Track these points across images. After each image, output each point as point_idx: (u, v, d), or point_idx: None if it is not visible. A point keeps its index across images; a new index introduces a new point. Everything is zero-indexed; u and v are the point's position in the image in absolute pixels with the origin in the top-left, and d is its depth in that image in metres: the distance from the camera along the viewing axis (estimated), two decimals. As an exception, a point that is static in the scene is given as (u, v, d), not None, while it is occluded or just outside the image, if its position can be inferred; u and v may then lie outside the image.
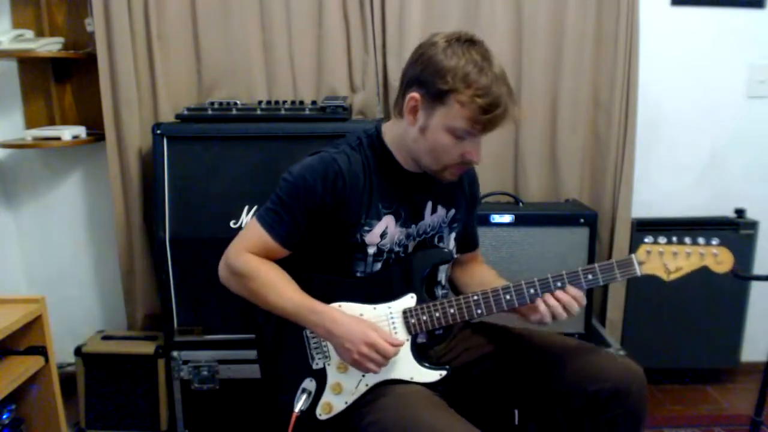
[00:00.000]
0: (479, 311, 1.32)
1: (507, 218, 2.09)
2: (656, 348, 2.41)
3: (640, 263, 1.28)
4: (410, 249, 1.40)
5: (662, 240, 1.28)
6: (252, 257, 1.32)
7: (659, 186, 2.48)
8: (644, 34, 2.29)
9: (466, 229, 1.55)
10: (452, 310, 1.32)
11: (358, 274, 1.35)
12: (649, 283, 2.35)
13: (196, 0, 2.22)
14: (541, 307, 1.29)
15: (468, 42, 1.23)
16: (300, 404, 1.29)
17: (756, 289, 2.44)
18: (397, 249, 1.36)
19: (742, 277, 2.25)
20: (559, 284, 1.29)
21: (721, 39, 2.39)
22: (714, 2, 2.36)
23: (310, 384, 1.34)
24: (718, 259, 1.26)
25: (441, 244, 1.44)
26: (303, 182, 1.29)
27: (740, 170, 2.48)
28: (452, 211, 1.46)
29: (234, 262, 1.32)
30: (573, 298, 1.28)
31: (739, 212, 2.45)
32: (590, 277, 1.29)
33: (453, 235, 1.48)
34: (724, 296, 2.38)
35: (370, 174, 1.33)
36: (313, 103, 2.13)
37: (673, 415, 2.33)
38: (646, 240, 1.29)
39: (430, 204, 1.41)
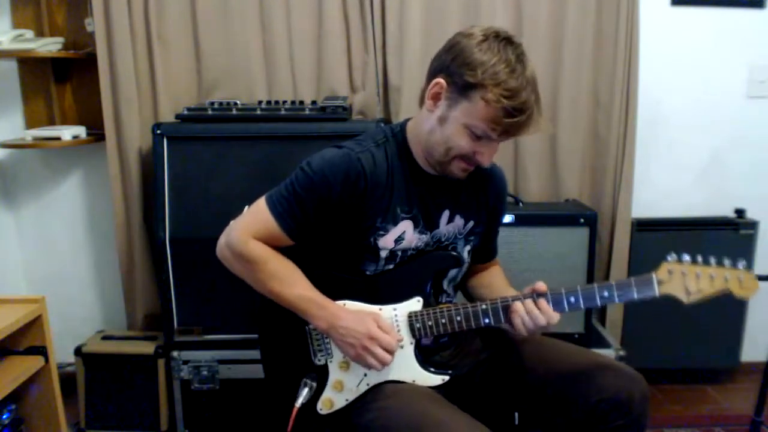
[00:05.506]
0: (486, 320, 1.28)
1: (507, 218, 2.07)
2: (656, 348, 2.41)
3: (660, 282, 1.20)
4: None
5: (686, 259, 1.19)
6: (260, 245, 1.28)
7: (659, 186, 2.48)
8: (644, 34, 2.29)
9: (484, 242, 1.49)
10: (459, 318, 1.28)
11: (368, 273, 1.32)
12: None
13: (197, 0, 2.22)
14: (516, 321, 1.24)
15: (505, 40, 1.18)
16: (301, 398, 1.28)
17: (756, 289, 2.44)
18: (411, 253, 1.33)
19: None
20: (572, 300, 1.24)
21: (721, 39, 2.39)
22: (714, 2, 2.36)
23: (311, 378, 1.32)
24: (743, 284, 1.19)
25: (453, 254, 1.39)
26: (321, 178, 1.24)
27: (740, 170, 2.48)
28: (471, 223, 1.40)
29: (240, 247, 1.28)
30: (545, 314, 1.23)
31: (739, 212, 2.45)
32: (605, 294, 1.23)
33: (468, 247, 1.42)
34: (724, 296, 2.38)
35: (392, 175, 1.29)
36: (313, 103, 2.12)
37: (673, 415, 2.32)
38: (669, 258, 1.20)
39: (447, 212, 1.36)
